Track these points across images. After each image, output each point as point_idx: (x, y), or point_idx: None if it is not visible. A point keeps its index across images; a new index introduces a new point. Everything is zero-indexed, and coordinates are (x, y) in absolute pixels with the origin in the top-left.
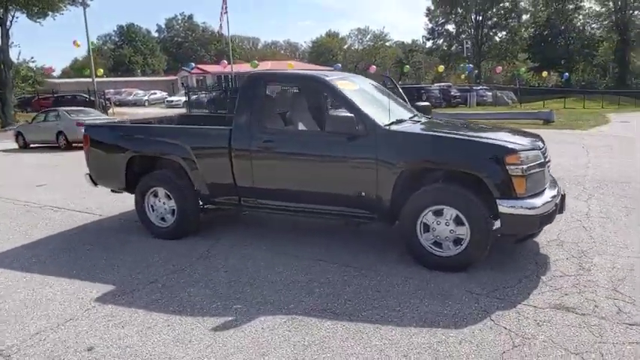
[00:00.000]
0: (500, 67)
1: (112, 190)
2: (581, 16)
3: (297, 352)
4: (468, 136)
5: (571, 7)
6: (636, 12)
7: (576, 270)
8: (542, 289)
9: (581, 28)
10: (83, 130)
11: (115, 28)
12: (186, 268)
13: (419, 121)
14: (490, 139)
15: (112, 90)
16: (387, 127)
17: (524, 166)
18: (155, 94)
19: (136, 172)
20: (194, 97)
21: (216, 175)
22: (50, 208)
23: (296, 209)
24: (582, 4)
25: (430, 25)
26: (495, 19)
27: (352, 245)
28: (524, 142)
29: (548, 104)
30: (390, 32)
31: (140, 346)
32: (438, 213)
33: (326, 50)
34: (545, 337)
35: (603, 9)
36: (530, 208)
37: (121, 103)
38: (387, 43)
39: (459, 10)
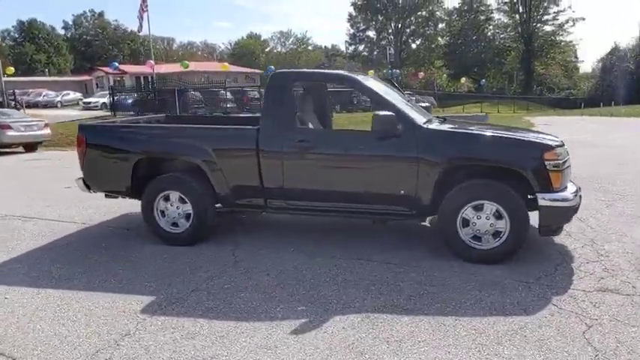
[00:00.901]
0: (422, 73)
1: (107, 196)
2: (491, 27)
3: (393, 348)
4: (506, 134)
5: (482, 18)
6: (539, 25)
7: (597, 256)
8: (579, 275)
9: (491, 37)
10: (78, 133)
11: (15, 23)
12: (222, 274)
13: (444, 121)
14: (526, 136)
15: (17, 90)
16: (426, 126)
17: (560, 161)
18: (68, 94)
19: (140, 175)
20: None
21: (241, 177)
22: (17, 219)
23: (328, 209)
24: (492, 15)
25: (352, 31)
26: (413, 27)
27: (380, 242)
28: (554, 139)
29: (467, 109)
30: (312, 36)
31: (226, 355)
32: (478, 208)
33: (248, 52)
34: (610, 317)
35: (510, 21)
36: (565, 200)
37: (31, 105)
38: (310, 47)
39: (380, 18)
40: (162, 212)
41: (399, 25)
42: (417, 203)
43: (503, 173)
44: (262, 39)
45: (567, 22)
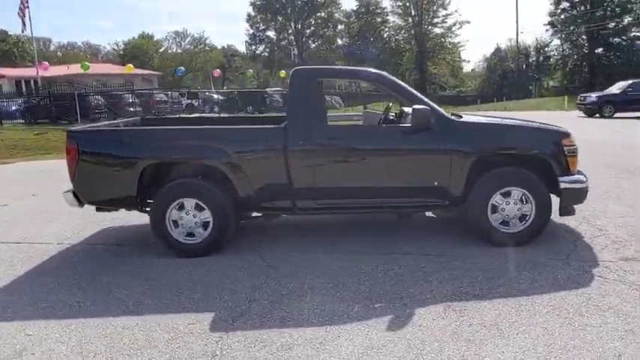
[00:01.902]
0: None
1: (98, 209)
2: (387, 29)
3: (494, 332)
4: (528, 124)
5: (379, 20)
6: (430, 27)
7: (598, 231)
8: (597, 248)
9: (387, 39)
10: (66, 139)
11: None
12: (268, 281)
13: (460, 116)
14: (544, 126)
15: None
16: (455, 119)
17: (574, 147)
18: None
19: (145, 184)
20: None
21: (268, 178)
22: None
23: (361, 206)
24: (387, 17)
25: (251, 31)
26: (313, 28)
27: (398, 236)
28: (564, 127)
29: (375, 106)
30: (210, 36)
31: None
32: (506, 194)
33: (141, 53)
34: None
35: (404, 23)
36: (581, 182)
37: None
38: (208, 48)
39: (279, 18)
40: (175, 222)
41: (299, 26)
42: (449, 194)
43: (525, 160)
44: (155, 39)
45: (455, 24)
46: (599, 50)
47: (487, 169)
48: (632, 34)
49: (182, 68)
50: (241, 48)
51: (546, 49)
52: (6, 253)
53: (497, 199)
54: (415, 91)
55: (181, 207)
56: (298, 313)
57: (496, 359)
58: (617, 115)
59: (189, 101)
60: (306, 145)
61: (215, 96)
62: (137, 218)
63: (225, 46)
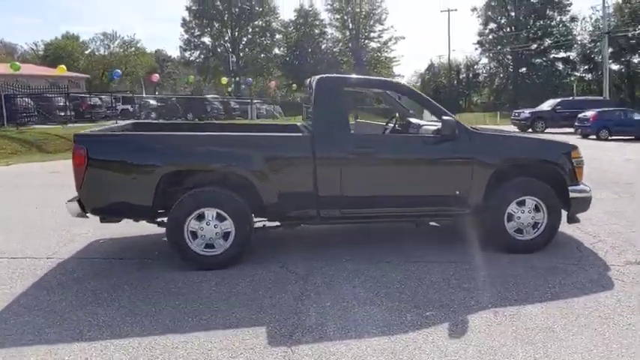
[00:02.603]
0: (274, 82)
1: (102, 220)
2: (325, 41)
3: (551, 334)
4: (541, 137)
5: (317, 31)
6: (367, 41)
7: (593, 238)
8: (601, 254)
9: (325, 50)
10: (74, 144)
11: None
12: (307, 293)
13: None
14: (553, 139)
15: None
16: (476, 130)
17: (581, 159)
18: None
19: (160, 192)
20: None
21: (295, 186)
22: None
23: (386, 214)
24: (326, 29)
25: (186, 36)
26: (250, 36)
27: (420, 243)
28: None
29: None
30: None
31: None
32: (521, 203)
33: (65, 54)
34: None
35: (341, 36)
36: (586, 192)
37: None
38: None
39: (216, 24)
40: (194, 233)
41: (236, 33)
42: (469, 202)
43: (539, 171)
44: (81, 40)
45: (390, 40)
46: (523, 70)
47: (504, 179)
48: (551, 56)
49: (119, 71)
50: (173, 53)
51: (475, 66)
52: None
53: (513, 207)
54: (435, 103)
55: (201, 217)
56: (354, 324)
57: None
58: (547, 130)
59: (124, 106)
60: (334, 153)
61: (152, 101)
62: (122, 229)
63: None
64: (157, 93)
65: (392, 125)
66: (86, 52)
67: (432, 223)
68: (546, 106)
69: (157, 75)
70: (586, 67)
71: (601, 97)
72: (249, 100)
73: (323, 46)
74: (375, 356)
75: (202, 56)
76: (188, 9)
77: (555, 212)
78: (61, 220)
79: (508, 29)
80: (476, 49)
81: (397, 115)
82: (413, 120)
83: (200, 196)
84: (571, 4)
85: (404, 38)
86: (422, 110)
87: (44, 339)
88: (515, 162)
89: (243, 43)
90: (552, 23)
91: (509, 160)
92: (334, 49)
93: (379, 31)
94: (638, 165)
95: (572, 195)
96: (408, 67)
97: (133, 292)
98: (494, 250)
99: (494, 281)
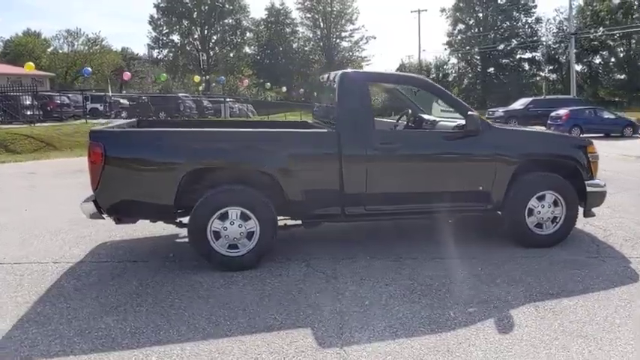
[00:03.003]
0: (247, 80)
1: (118, 222)
2: (297, 40)
3: (597, 327)
4: (559, 134)
5: (288, 30)
6: (338, 40)
7: (604, 231)
8: (616, 247)
9: (297, 49)
10: (89, 140)
11: None
12: (342, 292)
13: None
14: (570, 135)
15: None
16: (497, 126)
17: (597, 154)
18: None
19: (180, 191)
20: None
21: (321, 184)
22: None
23: (410, 211)
24: (297, 28)
25: (154, 34)
26: (220, 35)
27: (427, 240)
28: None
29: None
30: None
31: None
32: (541, 198)
33: (26, 51)
34: None
35: (313, 35)
36: (601, 186)
37: None
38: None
39: (184, 22)
40: (217, 233)
41: (206, 31)
42: (491, 198)
43: (557, 166)
44: (43, 37)
45: (362, 39)
46: (491, 70)
47: (525, 174)
48: (518, 56)
49: (89, 69)
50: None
51: (445, 66)
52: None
53: (533, 202)
54: (458, 98)
55: (224, 216)
56: (399, 322)
57: (620, 353)
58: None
59: (94, 105)
60: (359, 149)
61: (122, 100)
62: (124, 231)
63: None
64: (123, 91)
65: (403, 122)
66: (49, 49)
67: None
68: (518, 104)
69: (129, 73)
70: (551, 67)
71: (571, 96)
72: (222, 99)
73: (294, 45)
74: (432, 354)
75: (171, 54)
76: (156, 6)
77: (573, 207)
78: (57, 223)
79: (476, 30)
80: (445, 49)
81: (409, 111)
82: (425, 116)
83: (225, 195)
84: (536, 6)
85: (375, 38)
86: (430, 106)
87: (76, 349)
88: (536, 157)
89: (213, 41)
90: (518, 24)
91: (529, 155)
92: (305, 48)
93: (350, 30)
94: (620, 161)
95: (588, 189)
96: (379, 66)
97: (157, 296)
98: (513, 245)
99: (523, 276)
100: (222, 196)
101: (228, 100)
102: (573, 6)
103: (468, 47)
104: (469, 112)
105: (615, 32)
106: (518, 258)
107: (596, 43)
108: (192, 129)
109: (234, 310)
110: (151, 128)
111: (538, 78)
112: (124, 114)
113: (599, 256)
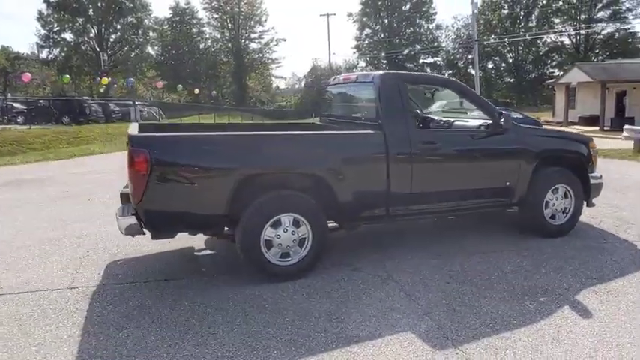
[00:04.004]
0: (161, 82)
1: (156, 236)
2: (203, 40)
3: None
4: (567, 131)
5: (195, 30)
6: (247, 42)
7: (597, 220)
8: (610, 231)
9: (204, 50)
10: (132, 147)
11: None
12: (413, 293)
13: None
14: (572, 132)
15: None
16: (520, 125)
17: (596, 149)
18: None
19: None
20: None
21: (370, 186)
22: None
23: (446, 209)
24: (204, 29)
25: (43, 32)
26: (120, 34)
27: (465, 235)
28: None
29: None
30: None
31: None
32: (555, 191)
33: None
34: None
35: (220, 35)
36: (600, 178)
37: None
38: None
39: (79, 19)
40: (269, 242)
41: (103, 30)
42: (515, 193)
43: (567, 161)
44: None
45: (272, 41)
46: None
47: (543, 170)
48: (421, 61)
49: (28, 73)
50: (23, 50)
51: (354, 70)
52: (9, 307)
53: (549, 195)
54: (487, 100)
55: (276, 224)
56: (489, 317)
57: None
58: None
59: None
60: (404, 149)
61: (17, 104)
62: (118, 247)
63: (1, 48)
64: (8, 94)
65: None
66: None
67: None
68: (435, 107)
69: (29, 74)
70: (450, 71)
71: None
72: (130, 102)
73: (202, 46)
74: (543, 343)
75: (64, 54)
76: (46, 1)
77: (580, 198)
78: (32, 243)
79: (382, 35)
80: (354, 53)
81: (418, 112)
82: (432, 116)
83: (278, 201)
84: (436, 13)
85: (285, 40)
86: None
87: None
88: (551, 154)
89: (112, 40)
90: (421, 31)
91: (547, 151)
92: (213, 49)
93: (260, 32)
94: None
95: (592, 181)
96: (290, 69)
97: (227, 314)
98: (530, 236)
99: (560, 264)
100: (275, 203)
101: (137, 102)
102: (467, 15)
103: (375, 52)
104: (503, 111)
105: (504, 40)
106: (551, 247)
107: (489, 49)
108: (246, 132)
109: (316, 323)
110: (211, 132)
111: None
112: (20, 119)
113: (608, 242)
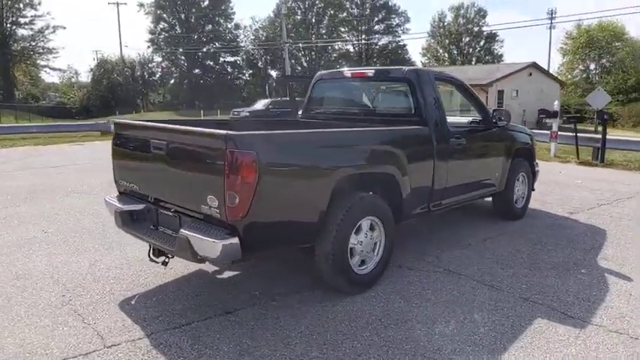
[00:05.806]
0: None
1: (246, 258)
2: None
3: None
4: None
5: None
6: (15, 26)
7: (541, 202)
8: (559, 209)
9: None
10: (236, 149)
11: None
12: (499, 286)
13: None
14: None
15: None
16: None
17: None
18: None
19: None
20: None
21: (422, 181)
22: None
23: (463, 200)
24: None
25: None
26: None
27: (459, 224)
28: None
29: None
30: None
31: None
32: (518, 179)
33: None
34: None
35: None
36: (537, 165)
37: None
38: None
39: None
40: (352, 250)
41: None
42: (501, 181)
43: (524, 153)
44: None
45: (47, 28)
46: (197, 71)
47: (515, 160)
48: (221, 59)
49: None
50: None
51: (150, 65)
52: None
53: (516, 183)
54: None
55: (358, 230)
56: (576, 298)
57: None
58: None
59: None
60: (444, 144)
61: None
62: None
63: None
64: None
65: None
66: None
67: None
68: (260, 105)
69: None
70: (251, 71)
71: (299, 98)
72: None
73: None
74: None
75: None
76: None
77: (531, 183)
78: (30, 280)
79: (180, 30)
80: (149, 47)
81: None
82: None
83: (362, 205)
84: (234, 12)
85: (64, 28)
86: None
87: None
88: (521, 146)
89: None
90: (220, 29)
91: (520, 144)
92: None
93: (32, 16)
94: None
95: (536, 168)
96: (68, 59)
97: (321, 334)
98: (502, 220)
99: (563, 242)
100: (361, 207)
101: None
102: (264, 17)
103: (173, 47)
104: (506, 110)
105: (299, 44)
106: (527, 228)
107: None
108: (345, 129)
109: (404, 327)
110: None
111: (241, 80)
112: None
113: (569, 218)
